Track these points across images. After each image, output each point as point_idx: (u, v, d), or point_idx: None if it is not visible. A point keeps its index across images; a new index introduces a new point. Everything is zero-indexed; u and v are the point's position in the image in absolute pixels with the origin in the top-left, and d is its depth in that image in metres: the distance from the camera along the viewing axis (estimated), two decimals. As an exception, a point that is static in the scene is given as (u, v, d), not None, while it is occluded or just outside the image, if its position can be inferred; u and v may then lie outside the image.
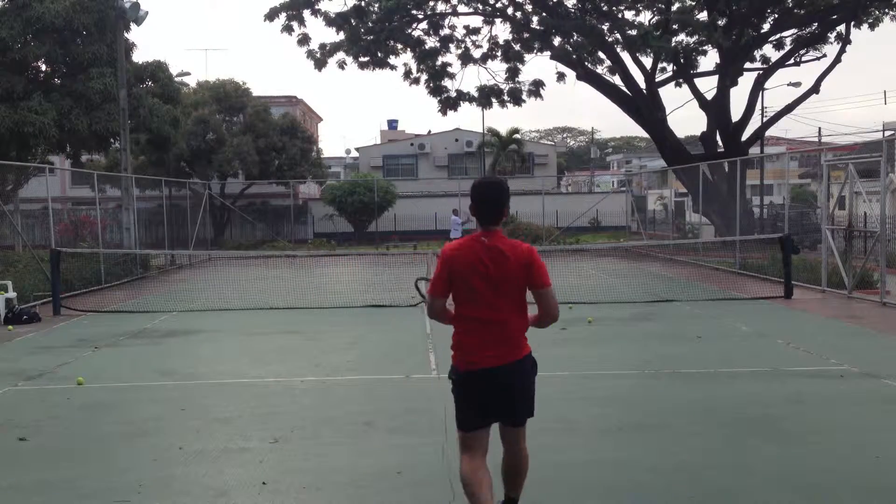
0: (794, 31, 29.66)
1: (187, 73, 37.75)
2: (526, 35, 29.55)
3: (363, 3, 29.48)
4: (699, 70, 30.33)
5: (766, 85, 32.60)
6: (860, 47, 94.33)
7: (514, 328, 4.28)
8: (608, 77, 30.30)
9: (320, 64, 30.31)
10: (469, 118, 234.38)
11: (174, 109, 25.87)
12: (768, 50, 30.59)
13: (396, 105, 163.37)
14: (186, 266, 26.21)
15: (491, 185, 4.34)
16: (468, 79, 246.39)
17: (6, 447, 6.45)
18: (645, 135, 37.96)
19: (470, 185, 4.46)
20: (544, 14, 28.48)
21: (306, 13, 29.66)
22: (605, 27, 28.45)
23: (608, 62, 29.71)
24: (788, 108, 30.39)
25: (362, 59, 30.12)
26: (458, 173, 47.47)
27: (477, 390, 4.24)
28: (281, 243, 34.99)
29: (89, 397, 8.08)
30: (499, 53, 30.85)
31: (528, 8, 29.96)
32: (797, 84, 33.96)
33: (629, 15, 29.57)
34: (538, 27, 28.99)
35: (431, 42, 30.87)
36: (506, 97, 30.77)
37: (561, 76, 31.46)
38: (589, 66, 29.67)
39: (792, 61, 29.96)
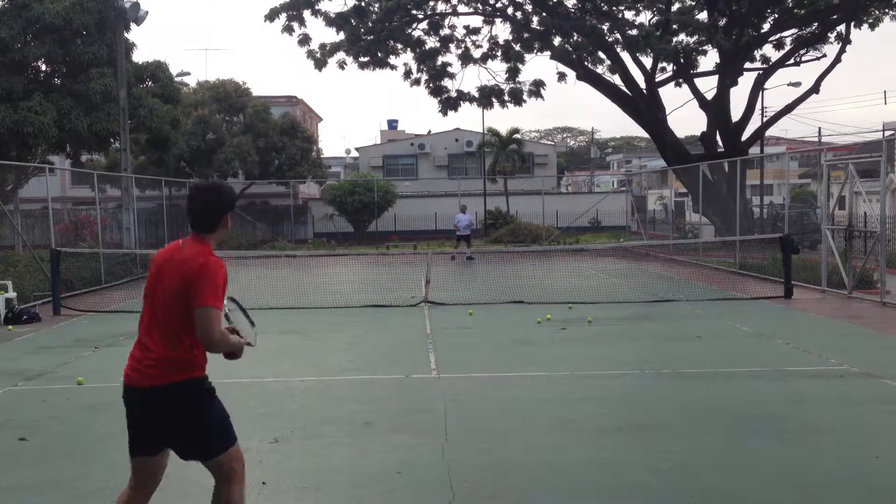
0: (794, 31, 29.66)
1: (187, 73, 37.66)
2: (526, 35, 29.56)
3: (363, 3, 29.50)
4: (699, 70, 30.35)
5: (766, 85, 32.66)
6: (860, 47, 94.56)
7: (164, 350, 3.73)
8: (608, 77, 30.31)
9: (320, 64, 30.33)
10: (469, 118, 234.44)
11: (174, 109, 25.87)
12: (768, 50, 30.63)
13: (396, 105, 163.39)
14: (186, 266, 26.16)
15: (200, 191, 3.91)
16: (468, 79, 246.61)
17: (6, 447, 6.45)
18: (645, 135, 37.97)
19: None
20: (544, 14, 28.49)
21: (306, 13, 29.70)
22: (605, 27, 28.46)
23: (608, 62, 29.72)
24: (788, 108, 30.39)
25: (362, 59, 30.15)
26: (458, 173, 47.49)
27: (128, 408, 3.82)
28: (281, 243, 35.00)
29: (89, 397, 8.08)
30: (499, 53, 30.88)
31: (528, 8, 29.97)
32: (797, 84, 33.96)
33: (629, 15, 29.61)
34: (538, 27, 29.00)
35: (431, 42, 30.92)
36: (506, 97, 30.79)
37: (561, 76, 31.48)
38: (589, 66, 29.67)
39: (792, 61, 29.96)
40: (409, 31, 30.42)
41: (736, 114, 29.76)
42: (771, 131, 38.65)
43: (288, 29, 29.86)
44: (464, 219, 26.36)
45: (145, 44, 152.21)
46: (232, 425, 3.96)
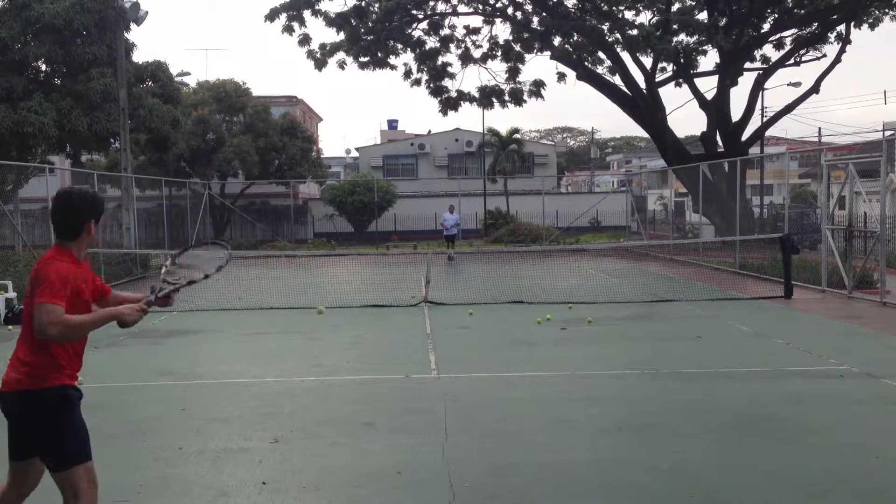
0: (794, 31, 29.68)
1: (187, 73, 37.77)
2: (526, 35, 29.56)
3: (363, 3, 29.51)
4: (699, 70, 30.37)
5: (766, 85, 32.68)
6: (860, 47, 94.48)
7: (22, 352, 3.85)
8: (608, 77, 30.31)
9: (320, 64, 30.34)
10: (469, 118, 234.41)
11: (174, 109, 25.85)
12: (768, 50, 30.65)
13: (396, 105, 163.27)
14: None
15: (58, 197, 3.99)
16: (469, 79, 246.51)
17: (6, 447, 6.44)
18: (645, 135, 37.97)
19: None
20: (544, 14, 28.49)
21: (306, 13, 29.70)
22: (605, 27, 28.46)
23: (608, 62, 29.72)
24: (788, 108, 30.40)
25: (362, 59, 30.15)
26: (458, 173, 47.48)
27: (3, 413, 3.94)
28: (281, 243, 35.00)
29: (89, 397, 8.01)
30: (499, 53, 30.88)
31: (528, 8, 29.97)
32: (797, 84, 33.98)
33: (629, 15, 29.61)
34: (538, 27, 29.00)
35: (431, 42, 30.92)
36: (506, 97, 30.79)
37: (561, 76, 31.50)
38: (589, 66, 29.67)
39: (792, 61, 29.98)
40: (409, 31, 30.42)
41: (736, 114, 29.80)
42: (771, 131, 38.65)
43: (288, 29, 29.87)
44: (450, 219, 26.27)
45: (145, 44, 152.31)
46: (89, 443, 3.94)
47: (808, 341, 10.51)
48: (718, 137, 30.06)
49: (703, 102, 29.92)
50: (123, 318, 3.95)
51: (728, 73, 28.97)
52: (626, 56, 29.06)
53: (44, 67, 23.10)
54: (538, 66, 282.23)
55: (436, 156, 50.17)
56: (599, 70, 30.19)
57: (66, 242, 3.93)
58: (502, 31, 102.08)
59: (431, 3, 30.18)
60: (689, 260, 24.25)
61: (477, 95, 31.20)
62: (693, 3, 29.54)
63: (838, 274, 15.59)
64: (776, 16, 28.97)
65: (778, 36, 30.01)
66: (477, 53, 31.10)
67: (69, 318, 3.74)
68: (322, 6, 29.74)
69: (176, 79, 28.51)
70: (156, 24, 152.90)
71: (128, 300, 4.19)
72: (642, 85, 29.65)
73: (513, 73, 30.26)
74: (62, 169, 34.17)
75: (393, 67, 30.93)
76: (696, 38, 28.78)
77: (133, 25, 22.77)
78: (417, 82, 31.33)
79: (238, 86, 37.23)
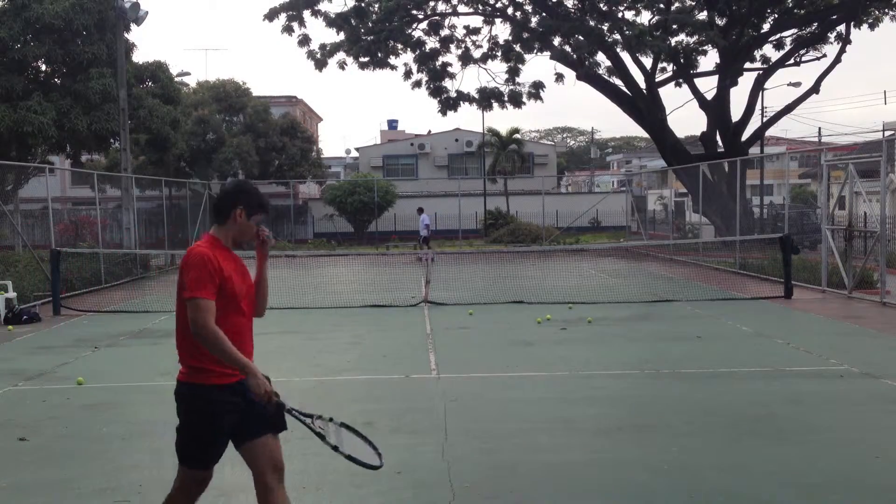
0: (794, 31, 29.68)
1: (187, 73, 37.79)
2: (526, 35, 29.56)
3: (363, 4, 29.50)
4: (699, 70, 30.36)
5: (766, 85, 32.64)
6: (860, 47, 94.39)
7: (178, 344, 3.81)
8: (608, 77, 30.30)
9: (320, 64, 30.35)
10: (469, 118, 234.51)
11: (174, 110, 25.84)
12: (768, 50, 30.64)
13: (396, 105, 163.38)
14: (186, 266, 26.15)
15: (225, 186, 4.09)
16: (468, 79, 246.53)
17: (6, 447, 6.44)
18: (645, 135, 37.98)
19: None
20: (544, 14, 28.48)
21: (306, 14, 29.69)
22: (605, 27, 28.45)
23: (608, 62, 29.72)
24: (788, 108, 30.40)
25: (362, 59, 30.15)
26: (458, 173, 47.48)
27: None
28: (281, 243, 35.00)
29: (89, 397, 8.07)
30: (499, 54, 30.87)
31: (528, 8, 29.97)
32: (797, 84, 33.95)
33: (629, 15, 29.62)
34: (538, 28, 29.00)
35: (431, 42, 30.91)
36: (506, 99, 30.78)
37: (559, 77, 31.48)
38: (588, 66, 29.66)
39: (792, 61, 29.98)
40: (410, 31, 30.41)
41: (736, 114, 29.79)
42: (771, 131, 38.65)
43: (288, 29, 29.86)
44: (423, 219, 26.66)
45: (145, 44, 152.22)
46: (201, 450, 4.00)
47: (808, 341, 10.51)
48: (718, 137, 30.06)
49: (703, 102, 29.91)
50: (250, 381, 3.76)
51: (728, 73, 28.96)
52: (626, 56, 29.09)
53: (43, 67, 23.09)
54: (538, 65, 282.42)
55: (436, 156, 50.18)
56: (599, 70, 30.19)
57: (216, 226, 3.88)
58: (502, 31, 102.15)
59: (431, 4, 30.20)
60: (689, 260, 24.24)
61: (476, 97, 31.20)
62: (693, 3, 29.52)
63: (838, 274, 15.59)
64: (776, 16, 28.97)
65: (778, 36, 30.00)
66: (477, 53, 31.14)
67: (220, 335, 3.61)
68: (322, 6, 29.77)
69: (176, 79, 28.49)
70: (156, 24, 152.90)
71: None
72: (642, 85, 29.65)
73: (512, 74, 30.25)
74: (62, 169, 34.24)
75: (393, 67, 30.94)
76: (695, 38, 28.77)
77: (133, 25, 22.76)
78: (418, 84, 31.31)
79: (238, 86, 37.27)
